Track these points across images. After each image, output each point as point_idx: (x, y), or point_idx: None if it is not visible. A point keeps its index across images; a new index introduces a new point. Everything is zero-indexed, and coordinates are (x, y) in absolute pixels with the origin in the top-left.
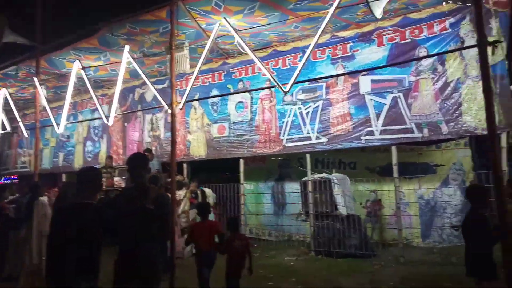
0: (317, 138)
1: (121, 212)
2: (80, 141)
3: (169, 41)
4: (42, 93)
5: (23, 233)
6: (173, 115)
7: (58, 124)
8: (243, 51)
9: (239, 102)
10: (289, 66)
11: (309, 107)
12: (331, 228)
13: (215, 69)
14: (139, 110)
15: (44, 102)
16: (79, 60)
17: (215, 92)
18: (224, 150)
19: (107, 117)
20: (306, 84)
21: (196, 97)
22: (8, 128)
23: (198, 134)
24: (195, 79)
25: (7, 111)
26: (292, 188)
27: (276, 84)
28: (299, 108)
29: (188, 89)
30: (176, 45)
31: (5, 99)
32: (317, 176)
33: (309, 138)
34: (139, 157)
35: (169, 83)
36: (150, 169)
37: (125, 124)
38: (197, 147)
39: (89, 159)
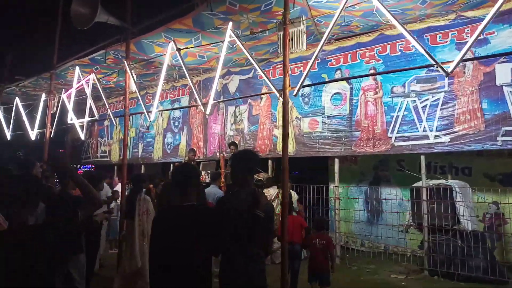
0: (436, 137)
1: (229, 218)
2: (160, 132)
3: (283, 15)
4: (132, 77)
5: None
6: (285, 102)
7: (149, 112)
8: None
9: (335, 94)
10: (399, 53)
11: (426, 100)
12: (451, 244)
13: (307, 56)
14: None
15: (133, 87)
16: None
17: (306, 82)
18: (316, 147)
19: (205, 105)
20: (422, 73)
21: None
22: (96, 115)
23: None
24: (314, 60)
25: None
26: (391, 194)
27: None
28: (413, 101)
29: (306, 71)
30: (291, 20)
31: (93, 85)
32: (433, 182)
33: (426, 137)
34: (252, 158)
35: (254, 73)
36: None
37: (207, 116)
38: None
39: (168, 151)
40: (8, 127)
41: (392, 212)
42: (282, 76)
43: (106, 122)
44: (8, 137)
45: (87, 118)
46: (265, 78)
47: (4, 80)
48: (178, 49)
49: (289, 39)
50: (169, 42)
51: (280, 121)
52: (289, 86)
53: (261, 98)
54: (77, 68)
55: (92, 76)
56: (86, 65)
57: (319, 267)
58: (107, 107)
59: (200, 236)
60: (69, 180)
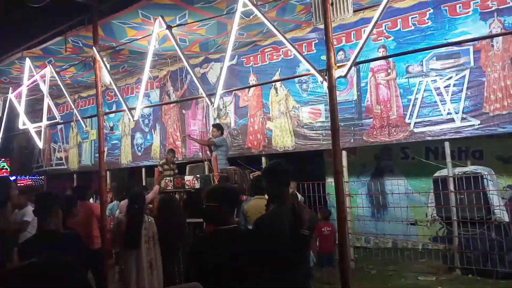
0: (464, 119)
1: (272, 239)
2: (126, 133)
3: None
4: (106, 66)
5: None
6: (331, 85)
7: (131, 109)
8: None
9: (339, 77)
10: (413, 27)
11: (449, 78)
12: (486, 238)
13: (302, 37)
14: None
15: (107, 79)
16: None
17: (303, 67)
18: (319, 139)
19: (211, 96)
20: (442, 50)
21: (278, 75)
22: (58, 117)
23: (281, 121)
24: (369, 34)
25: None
26: (398, 186)
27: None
28: (434, 81)
29: (359, 45)
30: None
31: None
32: (458, 170)
33: (451, 121)
34: (285, 170)
35: (239, 60)
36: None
37: (183, 111)
38: (280, 137)
39: (139, 154)
40: None
41: (400, 206)
42: (273, 61)
43: (60, 126)
44: None
45: (45, 122)
46: (300, 57)
47: None
48: (169, 27)
49: (331, 3)
50: (147, 24)
51: (274, 112)
52: (335, 64)
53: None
54: (28, 60)
55: (48, 69)
56: (37, 58)
57: (327, 251)
58: (73, 106)
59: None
60: None
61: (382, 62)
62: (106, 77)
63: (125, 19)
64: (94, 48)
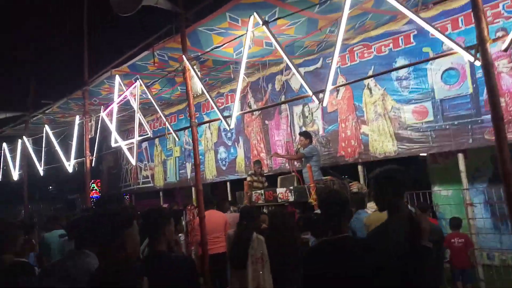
0: None
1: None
2: (209, 148)
3: None
4: (197, 74)
5: None
6: (487, 64)
7: (227, 117)
8: None
9: (448, 70)
10: None
11: None
12: None
13: (397, 31)
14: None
15: (198, 88)
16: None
17: (401, 62)
18: (428, 141)
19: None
20: None
21: (370, 73)
22: (150, 133)
23: (379, 123)
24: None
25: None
26: None
27: None
28: None
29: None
30: None
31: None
32: None
33: None
34: (401, 178)
35: (324, 62)
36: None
37: (266, 122)
38: (379, 141)
39: (224, 168)
40: (39, 161)
41: None
42: (364, 59)
43: (144, 144)
44: (41, 173)
45: (137, 137)
46: (439, 34)
47: (29, 109)
48: (266, 22)
49: None
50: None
51: (369, 115)
52: (488, 37)
53: (337, 91)
54: (117, 77)
55: (138, 84)
56: (124, 76)
57: (461, 265)
58: (164, 120)
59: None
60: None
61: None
62: (197, 86)
63: (212, 24)
64: (184, 56)
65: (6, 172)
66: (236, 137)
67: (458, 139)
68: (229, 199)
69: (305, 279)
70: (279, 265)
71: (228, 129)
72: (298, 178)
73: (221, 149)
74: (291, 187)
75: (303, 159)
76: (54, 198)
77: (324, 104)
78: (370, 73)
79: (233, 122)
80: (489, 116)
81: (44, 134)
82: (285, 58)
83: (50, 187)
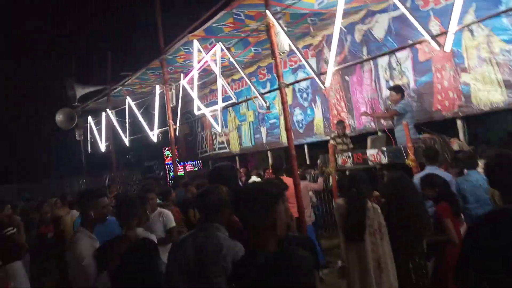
0: None
1: None
2: None
3: None
4: (283, 29)
5: None
6: None
7: (321, 75)
8: None
9: None
10: None
11: None
12: None
13: None
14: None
15: (286, 44)
16: None
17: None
18: None
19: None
20: None
21: (472, 14)
22: (234, 97)
23: (483, 70)
24: None
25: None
26: None
27: None
28: None
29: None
30: None
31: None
32: None
33: None
34: None
35: (412, 3)
36: None
37: (346, 77)
38: (484, 91)
39: (301, 131)
40: (124, 132)
41: None
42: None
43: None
44: (126, 143)
45: (221, 104)
46: None
47: (109, 82)
48: None
49: None
50: None
51: (470, 61)
52: None
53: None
54: (195, 42)
55: (219, 47)
56: (200, 41)
57: None
58: (249, 82)
59: None
60: None
61: None
62: (284, 42)
63: None
64: (267, 11)
65: (93, 144)
66: (312, 96)
67: None
68: (308, 163)
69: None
70: (400, 237)
71: (323, 87)
72: (390, 137)
73: (297, 111)
74: (384, 148)
75: (395, 116)
76: (132, 166)
77: (447, 49)
78: (471, 12)
79: (328, 80)
80: None
81: (126, 105)
82: None
83: (128, 156)
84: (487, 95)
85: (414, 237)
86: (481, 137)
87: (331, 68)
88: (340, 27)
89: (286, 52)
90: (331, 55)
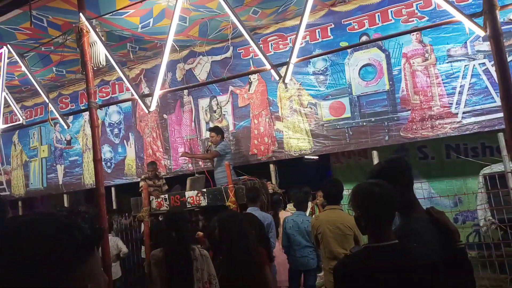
0: None
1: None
2: (90, 147)
3: None
4: (101, 40)
5: None
6: (497, 35)
7: (146, 96)
8: None
9: (365, 66)
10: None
11: None
12: None
13: (313, 23)
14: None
15: (103, 58)
16: None
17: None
18: (345, 139)
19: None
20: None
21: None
22: (21, 119)
23: (294, 120)
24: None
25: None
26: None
27: None
28: (483, 64)
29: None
30: None
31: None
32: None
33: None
34: (406, 166)
35: (232, 52)
36: None
37: (164, 116)
38: (294, 139)
39: (109, 171)
40: None
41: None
42: (279, 51)
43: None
44: None
45: (1, 125)
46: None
47: None
48: None
49: None
50: None
51: (284, 111)
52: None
53: (250, 83)
54: None
55: (5, 50)
56: None
57: None
58: (48, 101)
59: None
60: None
61: (418, 45)
62: (100, 53)
63: None
64: (81, 14)
65: None
66: (125, 133)
67: (374, 136)
68: (114, 208)
69: None
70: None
71: (147, 112)
72: (209, 179)
73: (106, 148)
74: (204, 190)
75: (215, 159)
76: None
77: (286, 80)
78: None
79: (153, 104)
80: (405, 113)
81: None
82: (238, 24)
83: None
84: (297, 142)
85: None
86: (294, 180)
87: (158, 91)
88: (155, 65)
89: (101, 66)
90: (159, 77)
